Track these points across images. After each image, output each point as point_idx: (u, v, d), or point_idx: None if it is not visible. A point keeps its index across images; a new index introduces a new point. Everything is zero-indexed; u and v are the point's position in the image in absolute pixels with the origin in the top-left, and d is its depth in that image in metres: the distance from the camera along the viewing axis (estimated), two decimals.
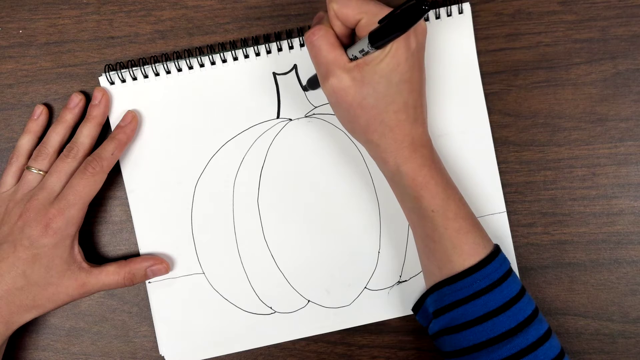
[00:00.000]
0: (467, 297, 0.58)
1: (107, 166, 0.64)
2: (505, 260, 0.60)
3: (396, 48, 0.55)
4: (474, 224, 0.60)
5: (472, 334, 0.58)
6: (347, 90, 0.56)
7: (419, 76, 0.58)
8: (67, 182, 0.64)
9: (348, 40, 0.59)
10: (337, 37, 0.58)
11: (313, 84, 0.65)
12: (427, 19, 0.67)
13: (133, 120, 0.67)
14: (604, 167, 0.68)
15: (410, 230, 0.67)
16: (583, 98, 0.68)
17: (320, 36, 0.57)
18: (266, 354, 0.70)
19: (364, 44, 0.54)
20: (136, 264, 0.66)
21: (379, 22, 0.54)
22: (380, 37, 0.53)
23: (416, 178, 0.58)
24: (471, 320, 0.58)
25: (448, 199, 0.59)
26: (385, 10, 0.55)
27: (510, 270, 0.59)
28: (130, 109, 0.68)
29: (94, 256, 0.70)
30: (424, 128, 0.60)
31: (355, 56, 0.56)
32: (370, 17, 0.55)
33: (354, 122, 0.58)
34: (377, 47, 0.54)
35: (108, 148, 0.64)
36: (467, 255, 0.58)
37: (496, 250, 0.59)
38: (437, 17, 0.67)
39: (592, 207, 0.68)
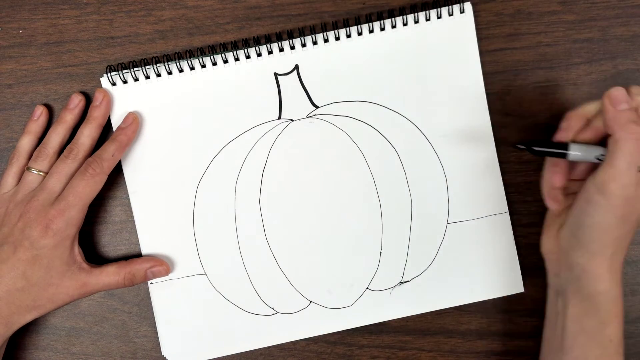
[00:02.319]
0: None
1: (108, 167, 0.64)
2: None
3: None
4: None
5: None
6: (631, 201, 0.55)
7: None
8: (67, 183, 0.64)
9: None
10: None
11: (544, 148, 0.60)
12: (427, 18, 0.66)
13: (134, 121, 0.67)
14: None
15: (412, 231, 0.67)
16: (583, 98, 0.68)
17: None
18: (266, 354, 0.70)
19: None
20: (136, 264, 0.66)
21: None
22: None
23: (618, 304, 0.58)
24: None
25: (623, 331, 0.59)
26: None
27: None
28: (131, 110, 0.67)
29: (94, 256, 0.70)
30: None
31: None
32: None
33: (606, 232, 0.56)
34: None
35: (109, 149, 0.64)
36: None
37: None
38: (439, 17, 0.67)
39: None
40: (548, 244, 0.62)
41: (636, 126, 0.54)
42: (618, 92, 0.56)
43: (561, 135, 0.60)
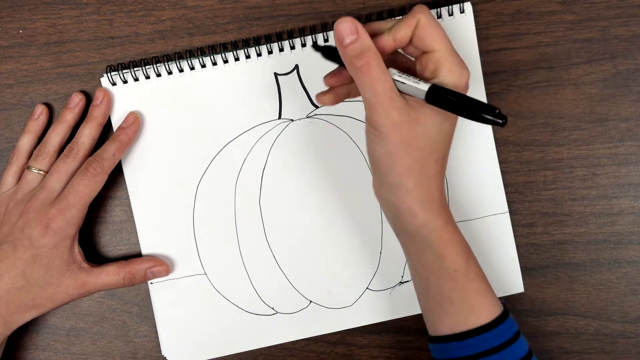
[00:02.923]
0: (476, 355, 0.56)
1: (108, 167, 0.64)
2: (514, 321, 0.58)
3: None
4: (489, 285, 0.58)
5: None
6: (401, 125, 0.52)
7: (454, 131, 0.56)
8: (67, 182, 0.64)
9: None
10: None
11: (329, 55, 0.59)
12: None
13: (135, 121, 0.67)
14: (604, 167, 0.68)
15: None
16: (583, 98, 0.68)
17: (377, 65, 0.52)
18: (266, 353, 0.70)
19: (417, 91, 0.52)
20: (136, 264, 0.66)
21: (436, 87, 0.52)
22: (439, 103, 0.51)
23: (443, 235, 0.56)
24: None
25: (469, 258, 0.57)
26: (457, 58, 0.53)
27: (519, 332, 0.58)
28: (131, 109, 0.68)
29: (94, 256, 0.70)
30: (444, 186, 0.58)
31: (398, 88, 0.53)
32: (446, 56, 0.53)
33: (395, 161, 0.54)
34: (428, 102, 0.52)
35: (109, 149, 0.64)
36: (483, 318, 0.56)
37: (507, 310, 0.58)
38: (439, 17, 0.67)
39: (592, 207, 0.68)
40: (374, 188, 0.59)
41: (358, 59, 0.52)
42: (341, 25, 0.52)
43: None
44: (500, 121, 0.49)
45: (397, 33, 0.54)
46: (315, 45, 0.63)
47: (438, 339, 0.58)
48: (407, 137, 0.53)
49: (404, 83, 0.53)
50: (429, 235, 0.56)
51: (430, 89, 0.52)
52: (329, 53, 0.58)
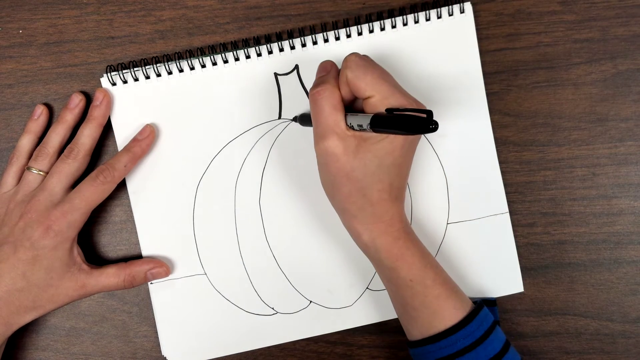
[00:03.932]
0: (451, 355, 0.58)
1: (118, 177, 0.64)
2: (487, 317, 0.60)
3: (395, 135, 0.56)
4: (452, 287, 0.61)
5: None
6: (339, 157, 0.57)
7: (409, 161, 0.60)
8: (67, 183, 0.64)
9: (349, 102, 0.59)
10: (341, 98, 0.58)
11: (305, 121, 0.66)
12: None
13: (150, 134, 0.66)
14: (604, 167, 0.68)
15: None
16: (583, 98, 0.68)
17: (325, 97, 0.57)
18: (266, 353, 0.70)
19: (364, 122, 0.55)
20: (136, 266, 0.66)
21: (387, 110, 0.54)
22: (383, 125, 0.54)
23: (391, 250, 0.59)
24: None
25: (425, 267, 0.59)
26: (396, 96, 0.56)
27: (494, 326, 0.60)
28: (131, 110, 0.68)
29: (94, 256, 0.70)
30: (401, 205, 0.60)
31: (352, 125, 0.56)
32: (381, 98, 0.56)
33: (336, 188, 0.58)
34: (376, 132, 0.55)
35: (122, 160, 0.64)
36: (448, 321, 0.59)
37: (477, 309, 0.60)
38: (439, 17, 0.67)
39: (592, 207, 0.68)
40: None
41: (314, 88, 0.58)
42: (320, 64, 0.62)
43: None
44: (432, 126, 0.51)
45: (341, 90, 0.58)
46: (294, 118, 0.68)
47: (415, 344, 0.61)
48: (344, 168, 0.57)
49: (356, 115, 0.57)
50: (377, 252, 0.59)
51: (374, 115, 0.54)
52: (304, 119, 0.66)
